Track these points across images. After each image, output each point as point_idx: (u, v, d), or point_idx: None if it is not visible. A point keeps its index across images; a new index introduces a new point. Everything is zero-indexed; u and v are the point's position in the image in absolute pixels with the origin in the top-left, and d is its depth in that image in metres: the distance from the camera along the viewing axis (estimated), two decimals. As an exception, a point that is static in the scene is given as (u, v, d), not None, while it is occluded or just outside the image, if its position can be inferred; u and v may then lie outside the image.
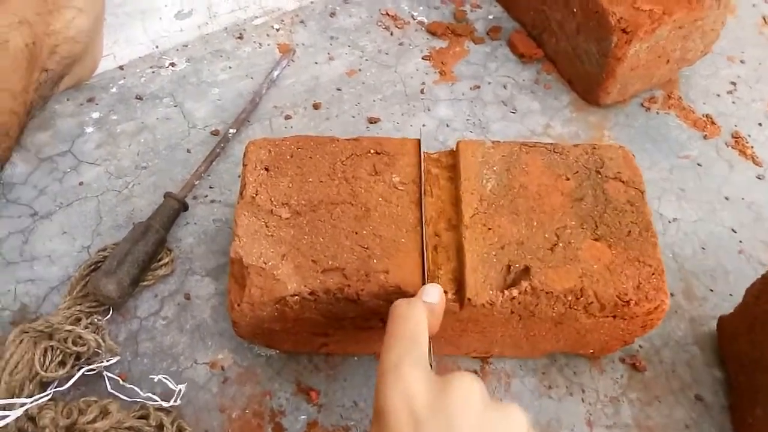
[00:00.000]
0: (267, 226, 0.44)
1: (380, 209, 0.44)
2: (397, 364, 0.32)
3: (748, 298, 0.47)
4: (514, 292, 0.41)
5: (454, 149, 0.48)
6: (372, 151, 0.47)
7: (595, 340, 0.46)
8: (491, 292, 0.41)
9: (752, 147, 0.64)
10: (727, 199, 0.61)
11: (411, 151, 0.47)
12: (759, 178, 0.62)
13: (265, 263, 0.42)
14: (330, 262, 0.42)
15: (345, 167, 0.46)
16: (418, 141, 0.48)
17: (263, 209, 0.44)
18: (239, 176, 0.59)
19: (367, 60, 0.71)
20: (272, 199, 0.45)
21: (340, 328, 0.45)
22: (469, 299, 0.41)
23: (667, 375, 0.50)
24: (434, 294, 0.38)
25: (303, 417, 0.47)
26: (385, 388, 0.32)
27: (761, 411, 0.43)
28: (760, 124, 0.67)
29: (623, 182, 0.46)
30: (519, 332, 0.46)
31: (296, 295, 0.41)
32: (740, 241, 0.58)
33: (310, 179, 0.46)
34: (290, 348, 0.50)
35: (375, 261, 0.42)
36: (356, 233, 0.43)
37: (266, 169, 0.46)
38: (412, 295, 0.40)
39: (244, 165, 0.47)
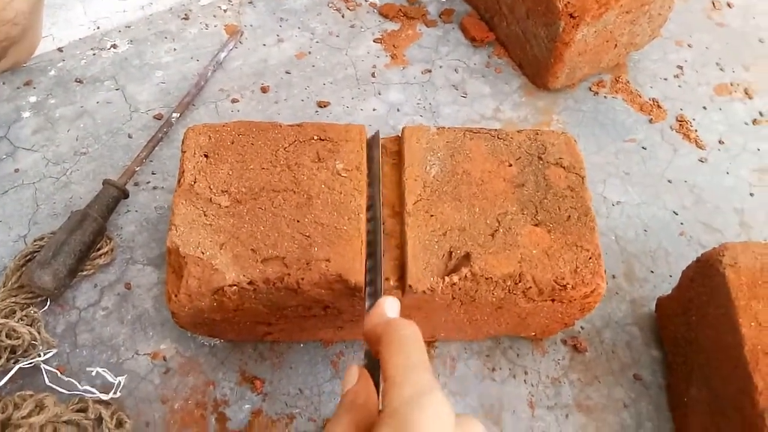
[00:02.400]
0: (205, 215, 0.42)
1: (323, 197, 0.43)
2: (432, 388, 0.29)
3: (684, 281, 0.48)
4: (455, 278, 0.41)
5: (400, 135, 0.48)
6: (316, 138, 0.46)
7: (535, 323, 0.47)
8: (432, 279, 0.41)
9: (696, 131, 0.65)
10: (670, 182, 0.61)
11: (356, 138, 0.47)
12: (701, 161, 0.63)
13: (203, 253, 0.41)
14: (270, 251, 0.41)
15: (288, 154, 0.45)
16: (363, 127, 0.47)
17: (202, 197, 0.43)
18: (181, 162, 0.58)
19: (317, 42, 0.69)
20: (211, 186, 0.44)
21: (282, 317, 0.45)
22: (410, 286, 0.41)
23: (607, 355, 0.51)
24: (395, 307, 0.34)
25: (247, 406, 0.47)
26: (425, 413, 0.27)
27: (695, 390, 0.44)
28: (704, 108, 0.68)
29: (564, 168, 0.46)
30: (461, 317, 0.46)
31: (235, 285, 0.40)
32: (681, 224, 0.59)
33: (252, 166, 0.45)
34: (233, 337, 0.49)
35: (316, 249, 0.41)
36: (298, 221, 0.42)
37: (205, 156, 0.45)
38: (355, 285, 0.39)
39: (183, 151, 0.45)
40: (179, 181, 0.44)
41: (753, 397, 0.37)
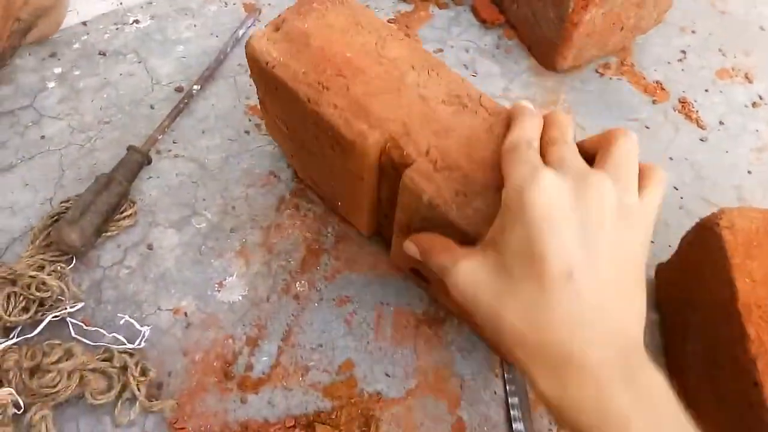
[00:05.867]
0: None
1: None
2: (537, 166, 0.34)
3: (683, 245, 0.50)
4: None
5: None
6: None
7: None
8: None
9: (697, 111, 0.67)
10: (671, 159, 0.64)
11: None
12: (702, 140, 0.65)
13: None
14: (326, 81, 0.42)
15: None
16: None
17: None
18: (203, 132, 0.61)
19: (331, 22, 0.71)
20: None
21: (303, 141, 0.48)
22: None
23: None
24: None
25: (265, 358, 0.49)
26: (527, 188, 0.32)
27: (690, 347, 0.47)
28: (706, 90, 0.70)
29: None
30: None
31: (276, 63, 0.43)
32: (681, 198, 0.61)
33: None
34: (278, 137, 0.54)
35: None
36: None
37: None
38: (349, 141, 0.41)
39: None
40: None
41: (745, 345, 0.39)
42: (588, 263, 0.31)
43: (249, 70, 0.48)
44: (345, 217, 0.55)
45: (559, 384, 0.31)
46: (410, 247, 0.40)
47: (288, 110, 0.47)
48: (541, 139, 0.37)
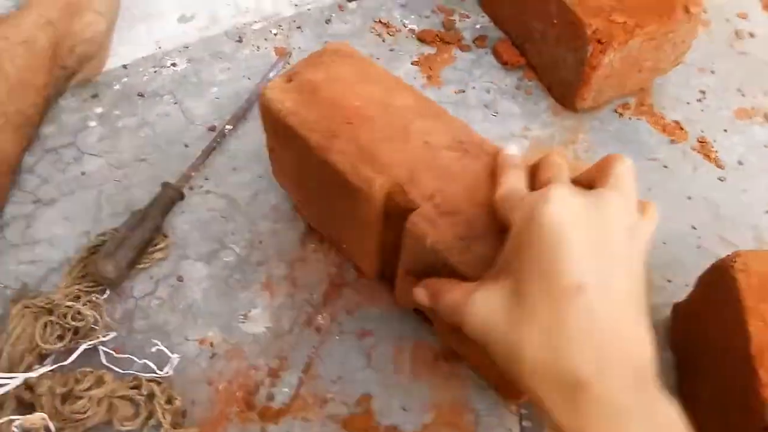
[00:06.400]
0: None
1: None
2: (541, 193, 0.35)
3: (699, 285, 0.50)
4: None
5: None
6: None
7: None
8: None
9: (716, 151, 0.68)
10: (689, 198, 0.64)
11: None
12: (720, 180, 0.66)
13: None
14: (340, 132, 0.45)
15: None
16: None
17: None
18: (233, 169, 0.63)
19: (358, 64, 0.75)
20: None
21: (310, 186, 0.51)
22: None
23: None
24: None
25: (286, 389, 0.51)
26: (540, 205, 0.33)
27: (703, 387, 0.47)
28: (725, 131, 0.71)
29: None
30: None
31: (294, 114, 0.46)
32: (699, 237, 0.61)
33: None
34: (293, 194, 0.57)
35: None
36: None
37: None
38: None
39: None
40: None
41: (757, 389, 0.40)
42: (600, 276, 0.32)
43: (261, 119, 0.51)
44: (349, 260, 0.57)
45: (578, 415, 0.31)
46: (420, 293, 0.41)
47: (298, 157, 0.49)
48: (537, 182, 0.38)
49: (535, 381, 0.32)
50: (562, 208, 0.33)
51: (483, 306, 0.35)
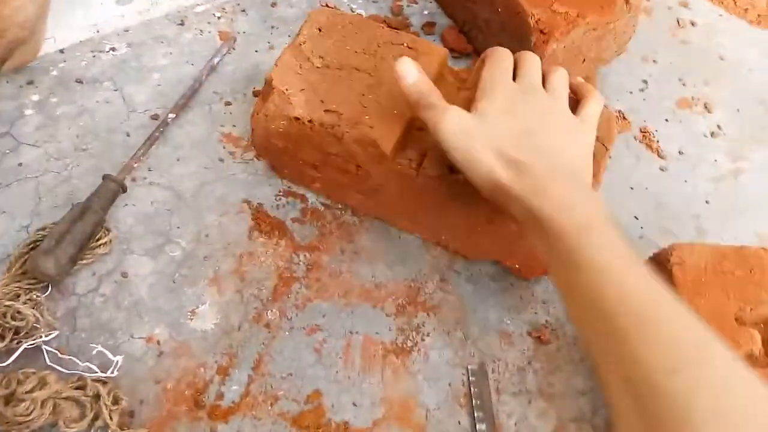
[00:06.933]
0: (300, 67, 0.56)
1: (391, 85, 0.53)
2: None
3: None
4: (461, 176, 0.48)
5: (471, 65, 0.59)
6: (405, 44, 0.58)
7: (520, 252, 0.54)
8: (444, 168, 0.51)
9: (658, 141, 0.70)
10: (632, 188, 0.66)
11: (436, 57, 0.57)
12: (662, 170, 0.68)
13: (287, 90, 0.54)
14: (333, 106, 0.53)
15: (378, 48, 0.57)
16: (446, 52, 0.58)
17: (303, 55, 0.57)
18: (178, 159, 0.62)
19: (306, 50, 0.73)
20: (313, 50, 0.57)
21: (326, 163, 0.56)
22: (424, 167, 0.52)
23: (568, 347, 0.56)
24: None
25: (235, 387, 0.51)
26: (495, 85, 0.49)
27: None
28: (666, 120, 0.73)
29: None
30: (460, 221, 0.55)
31: (299, 118, 0.53)
32: (641, 228, 0.63)
33: (348, 47, 0.57)
34: (288, 175, 0.62)
35: (367, 117, 0.52)
36: (363, 95, 0.54)
37: (319, 29, 0.58)
38: (383, 153, 0.51)
39: (305, 21, 0.59)
40: (294, 40, 0.58)
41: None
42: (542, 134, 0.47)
43: (269, 138, 0.55)
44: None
45: (532, 185, 0.44)
46: (406, 67, 0.49)
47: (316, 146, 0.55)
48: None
49: (505, 172, 0.44)
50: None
51: (460, 116, 0.47)
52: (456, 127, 0.46)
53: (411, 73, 0.48)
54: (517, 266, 0.57)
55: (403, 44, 0.57)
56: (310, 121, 0.52)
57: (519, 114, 0.47)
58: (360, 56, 0.56)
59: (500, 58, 0.51)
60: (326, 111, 0.52)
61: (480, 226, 0.54)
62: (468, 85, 0.55)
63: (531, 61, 0.51)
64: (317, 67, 0.55)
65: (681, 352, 0.36)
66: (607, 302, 0.38)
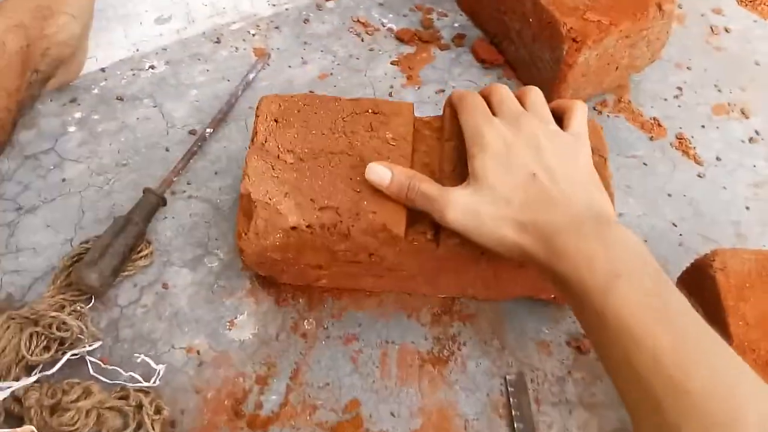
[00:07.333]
0: (273, 169, 0.50)
1: (372, 159, 0.49)
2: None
3: (681, 284, 0.51)
4: None
5: (442, 114, 0.55)
6: (370, 111, 0.53)
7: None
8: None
9: (695, 147, 0.69)
10: (669, 195, 0.65)
11: (405, 113, 0.53)
12: (699, 176, 0.67)
13: (270, 199, 0.48)
14: (326, 202, 0.48)
15: (345, 123, 0.53)
16: (412, 104, 0.54)
17: (271, 154, 0.51)
18: (215, 173, 0.63)
19: (338, 64, 0.74)
20: (279, 146, 0.51)
21: (333, 260, 0.51)
22: (442, 238, 0.48)
23: (608, 356, 0.55)
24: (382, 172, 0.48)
25: (274, 397, 0.51)
26: (481, 129, 0.47)
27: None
28: (702, 126, 0.72)
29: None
30: (488, 273, 0.52)
31: (295, 227, 0.47)
32: (680, 234, 0.62)
33: (314, 131, 0.52)
34: (289, 280, 0.56)
35: (365, 203, 0.48)
36: (351, 179, 0.49)
37: (275, 121, 0.53)
38: (396, 235, 0.47)
39: (257, 116, 0.53)
40: (252, 139, 0.52)
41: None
42: (544, 168, 0.45)
43: (275, 252, 0.51)
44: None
45: (555, 253, 0.42)
46: (379, 171, 0.47)
47: (319, 250, 0.50)
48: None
49: (522, 238, 0.43)
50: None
51: (462, 198, 0.45)
52: (461, 214, 0.44)
53: (384, 175, 0.47)
54: (552, 296, 0.55)
55: (368, 111, 0.53)
56: (308, 227, 0.47)
57: (515, 155, 0.45)
58: (329, 138, 0.51)
59: (473, 101, 0.50)
60: (321, 209, 0.47)
61: (506, 273, 0.52)
62: (447, 136, 0.52)
63: (501, 92, 0.51)
64: (291, 164, 0.50)
65: (716, 419, 0.34)
66: (641, 368, 0.36)
